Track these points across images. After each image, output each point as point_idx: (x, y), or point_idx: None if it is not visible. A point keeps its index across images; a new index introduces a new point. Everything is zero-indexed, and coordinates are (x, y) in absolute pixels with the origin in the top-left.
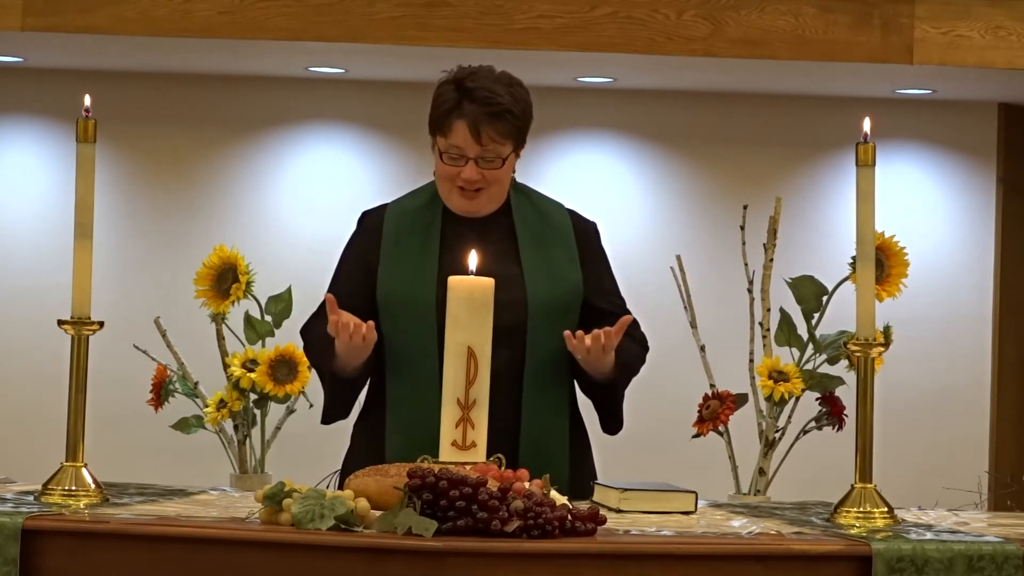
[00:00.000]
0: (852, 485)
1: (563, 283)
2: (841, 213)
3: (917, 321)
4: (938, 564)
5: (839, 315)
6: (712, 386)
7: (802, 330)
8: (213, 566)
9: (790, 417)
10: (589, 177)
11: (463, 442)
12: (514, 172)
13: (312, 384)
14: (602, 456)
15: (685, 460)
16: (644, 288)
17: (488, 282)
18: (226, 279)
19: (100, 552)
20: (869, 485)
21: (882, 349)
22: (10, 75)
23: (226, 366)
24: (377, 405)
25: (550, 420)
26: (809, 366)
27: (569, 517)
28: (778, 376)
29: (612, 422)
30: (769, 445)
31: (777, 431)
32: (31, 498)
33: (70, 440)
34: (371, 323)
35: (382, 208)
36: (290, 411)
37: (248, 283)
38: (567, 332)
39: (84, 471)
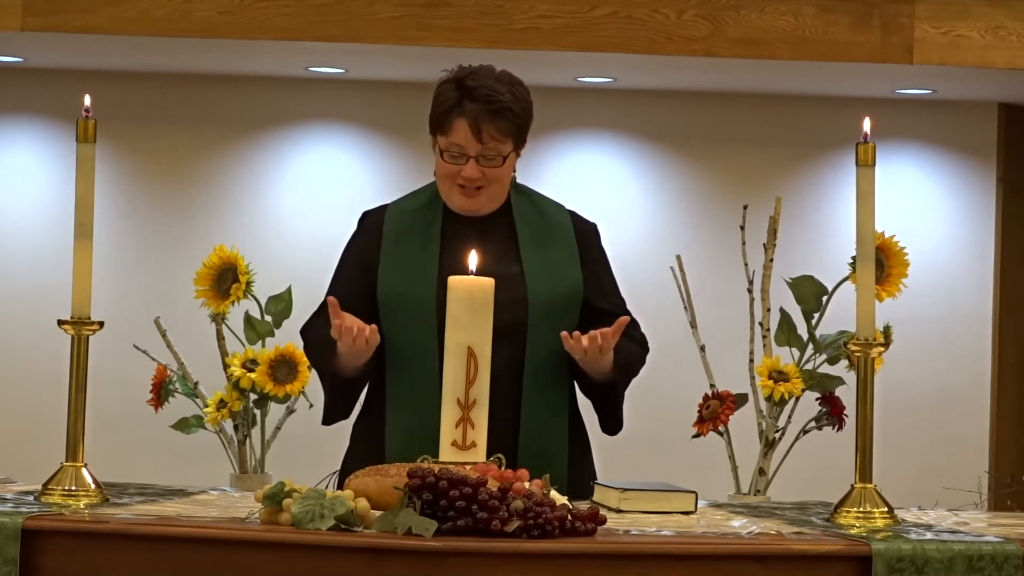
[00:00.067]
0: (852, 485)
1: (563, 282)
2: (841, 213)
3: (917, 321)
4: (938, 564)
5: (839, 315)
6: (712, 386)
7: (802, 330)
8: (213, 566)
9: (790, 417)
10: (589, 177)
11: (463, 442)
12: (515, 172)
13: (312, 384)
14: (602, 456)
15: (685, 460)
16: (644, 288)
17: (488, 282)
18: (226, 279)
19: (100, 552)
20: (869, 485)
21: (882, 349)
22: (10, 75)
23: (226, 366)
24: (377, 405)
25: (549, 419)
26: (809, 366)
27: (569, 517)
28: (778, 376)
29: (612, 423)
30: (769, 445)
31: (777, 431)
32: (31, 498)
33: (70, 440)
34: (374, 327)
35: (382, 208)
36: (290, 411)
37: (248, 283)
38: (564, 333)
39: (84, 471)
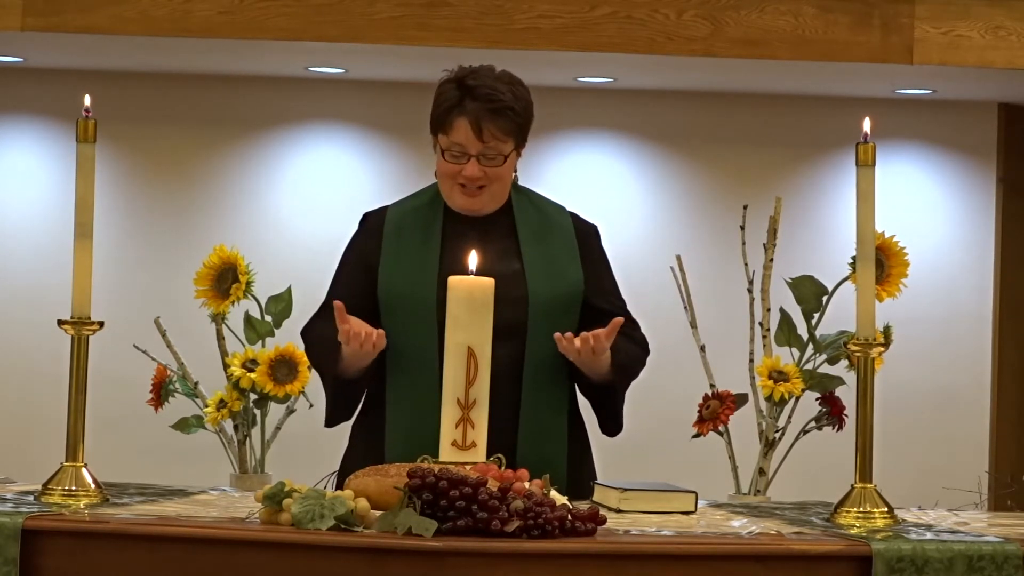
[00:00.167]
0: (852, 485)
1: (564, 281)
2: (841, 213)
3: (917, 321)
4: (938, 564)
5: (839, 315)
6: (712, 386)
7: (802, 330)
8: (213, 566)
9: (790, 417)
10: (589, 177)
11: (463, 442)
12: (516, 173)
13: (312, 384)
14: (602, 456)
15: (685, 460)
16: (644, 288)
17: (488, 282)
18: (226, 279)
19: (100, 552)
20: (869, 485)
21: (882, 349)
22: (10, 75)
23: (226, 366)
24: (377, 404)
25: (549, 419)
26: (809, 366)
27: (569, 517)
28: (778, 376)
29: (611, 424)
30: (769, 445)
31: (777, 431)
32: (31, 498)
33: (70, 440)
34: (382, 331)
35: (383, 210)
36: (290, 411)
37: (248, 283)
38: (557, 334)
39: (84, 471)
